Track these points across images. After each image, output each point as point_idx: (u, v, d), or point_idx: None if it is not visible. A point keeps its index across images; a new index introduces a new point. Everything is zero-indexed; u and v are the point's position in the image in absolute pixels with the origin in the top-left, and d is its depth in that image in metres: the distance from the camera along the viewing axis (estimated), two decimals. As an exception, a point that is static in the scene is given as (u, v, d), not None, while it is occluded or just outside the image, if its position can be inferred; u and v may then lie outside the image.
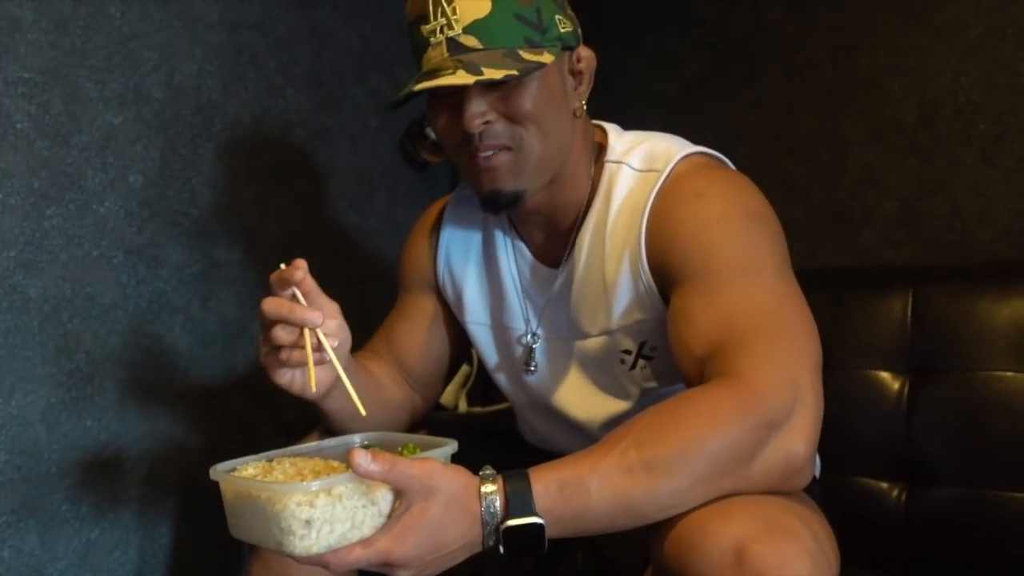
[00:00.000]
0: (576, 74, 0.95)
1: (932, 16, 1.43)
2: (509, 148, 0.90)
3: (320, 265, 1.59)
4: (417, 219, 1.17)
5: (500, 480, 0.73)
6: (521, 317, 1.04)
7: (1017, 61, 1.36)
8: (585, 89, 0.96)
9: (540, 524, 0.72)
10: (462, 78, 0.83)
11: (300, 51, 1.54)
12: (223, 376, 1.43)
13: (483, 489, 0.72)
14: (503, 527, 0.72)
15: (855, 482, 1.18)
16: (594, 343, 0.98)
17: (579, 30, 0.95)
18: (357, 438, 0.86)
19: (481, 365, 1.75)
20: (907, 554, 1.14)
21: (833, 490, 1.15)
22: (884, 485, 1.17)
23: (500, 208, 0.95)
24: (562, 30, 0.91)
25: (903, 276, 1.25)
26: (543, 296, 1.02)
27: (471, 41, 0.87)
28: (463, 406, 1.74)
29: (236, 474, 0.75)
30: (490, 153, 0.90)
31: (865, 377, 1.20)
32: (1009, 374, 1.11)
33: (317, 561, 0.70)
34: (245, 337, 1.46)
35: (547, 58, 0.87)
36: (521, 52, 0.87)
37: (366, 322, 1.65)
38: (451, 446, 0.79)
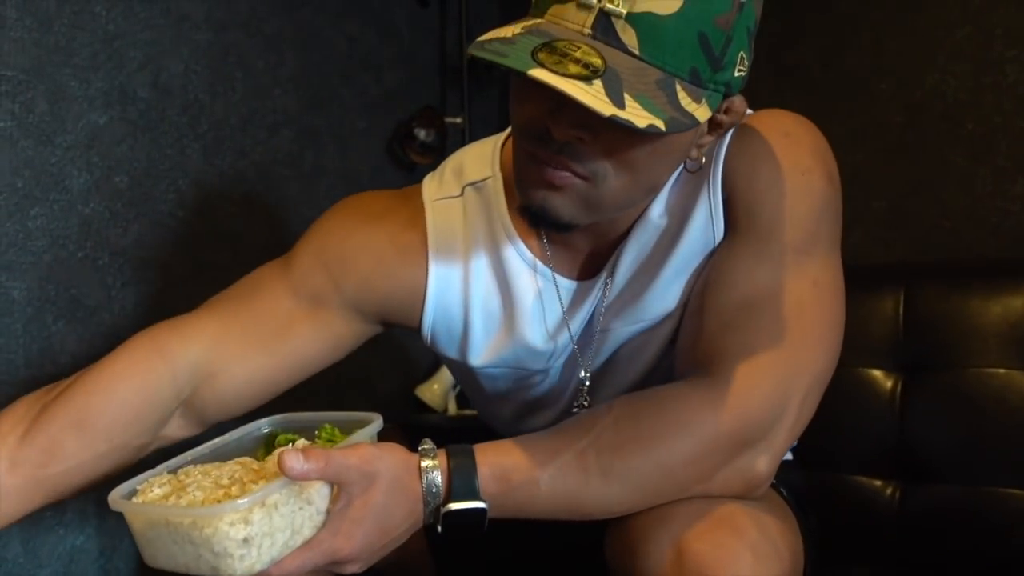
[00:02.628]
0: (715, 125, 0.75)
1: (919, 17, 1.44)
2: (587, 179, 0.71)
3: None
4: (377, 224, 0.89)
5: (442, 456, 0.70)
6: (560, 353, 0.87)
7: (1004, 61, 1.38)
8: (713, 141, 0.77)
9: (483, 509, 0.69)
10: (593, 97, 0.62)
11: (287, 52, 1.52)
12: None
13: (423, 464, 0.69)
14: (444, 509, 0.69)
15: (849, 480, 1.18)
16: (663, 329, 0.85)
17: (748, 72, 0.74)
18: (264, 423, 0.77)
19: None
20: (901, 551, 1.14)
21: (827, 489, 1.15)
22: (878, 483, 1.17)
23: (540, 226, 0.80)
24: (736, 73, 0.70)
25: (894, 275, 1.26)
26: (580, 315, 0.86)
27: (628, 36, 0.65)
28: (453, 409, 1.73)
29: (142, 498, 0.66)
30: (564, 174, 0.71)
31: (858, 376, 1.20)
32: (1001, 371, 1.12)
33: None
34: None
35: (702, 113, 0.67)
36: (679, 89, 0.66)
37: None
38: (376, 422, 0.73)
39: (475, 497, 0.69)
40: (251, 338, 0.85)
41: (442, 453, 0.70)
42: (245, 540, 0.61)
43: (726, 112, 0.74)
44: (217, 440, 0.75)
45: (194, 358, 0.84)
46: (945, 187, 1.42)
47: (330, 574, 0.71)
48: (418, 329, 0.91)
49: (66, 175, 1.23)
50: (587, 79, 0.62)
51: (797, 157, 0.78)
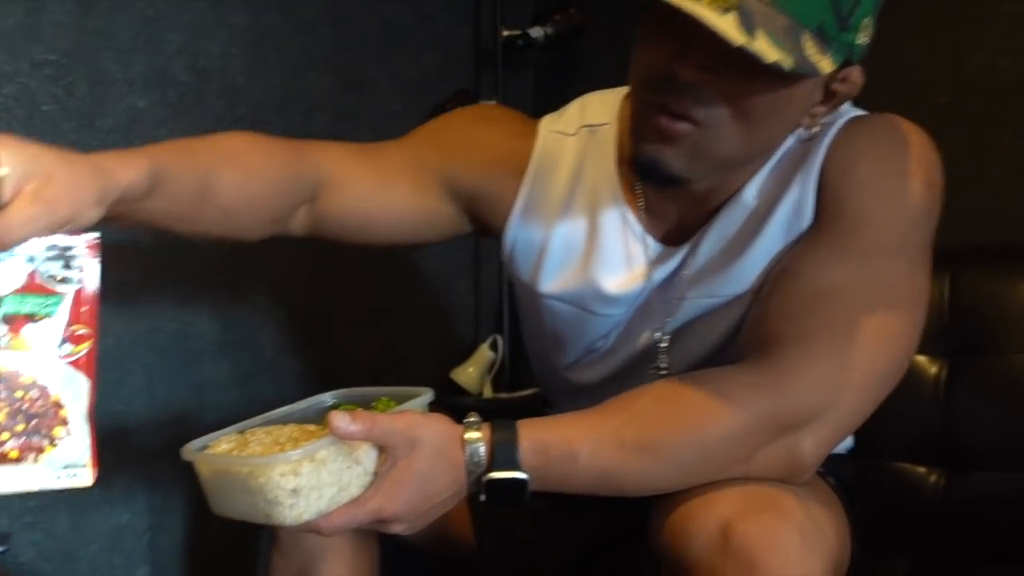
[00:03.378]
0: (830, 94, 0.78)
1: (967, -7, 1.41)
2: (703, 127, 0.74)
3: (342, 251, 1.57)
4: (497, 127, 0.96)
5: (486, 429, 0.73)
6: (628, 303, 0.89)
7: (1056, 38, 1.34)
8: (827, 112, 0.80)
9: (524, 479, 0.71)
10: (729, 26, 0.66)
11: (322, 34, 1.52)
12: (250, 361, 1.43)
13: (466, 436, 0.72)
14: (486, 478, 0.71)
15: (894, 467, 1.16)
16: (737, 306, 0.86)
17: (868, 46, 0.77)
18: (328, 397, 0.83)
19: (509, 351, 1.75)
20: (946, 539, 1.13)
21: (872, 475, 1.14)
22: (922, 470, 1.16)
23: (649, 179, 0.82)
24: (859, 40, 0.74)
25: (940, 259, 1.21)
26: (657, 275, 0.88)
27: None
28: (488, 392, 1.73)
29: (210, 451, 0.73)
30: (681, 125, 0.74)
31: (902, 361, 1.18)
32: (1050, 356, 1.09)
33: (308, 528, 0.69)
34: (271, 322, 1.45)
35: (825, 66, 0.71)
36: (806, 39, 0.69)
37: (389, 306, 1.65)
38: (427, 395, 0.77)
39: (516, 468, 0.71)
40: (365, 172, 0.91)
41: (486, 426, 0.73)
42: (294, 491, 0.67)
43: (842, 81, 0.76)
44: (283, 408, 0.81)
45: (322, 165, 0.89)
46: (992, 169, 1.39)
47: (380, 535, 0.75)
48: (501, 238, 0.95)
49: (108, 158, 1.24)
50: (724, 9, 0.66)
51: (901, 161, 0.78)
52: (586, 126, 0.92)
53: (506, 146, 0.94)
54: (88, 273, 0.64)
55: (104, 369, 1.26)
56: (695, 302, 0.86)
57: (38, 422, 0.62)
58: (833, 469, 0.82)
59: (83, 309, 0.64)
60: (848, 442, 0.98)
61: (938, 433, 1.14)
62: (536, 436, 0.72)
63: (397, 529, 0.71)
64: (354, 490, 0.70)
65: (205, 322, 1.37)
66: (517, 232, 0.93)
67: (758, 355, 0.76)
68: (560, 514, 0.95)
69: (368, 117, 1.61)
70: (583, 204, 0.91)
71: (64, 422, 0.63)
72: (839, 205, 0.78)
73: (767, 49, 0.66)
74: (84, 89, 1.22)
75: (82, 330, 0.64)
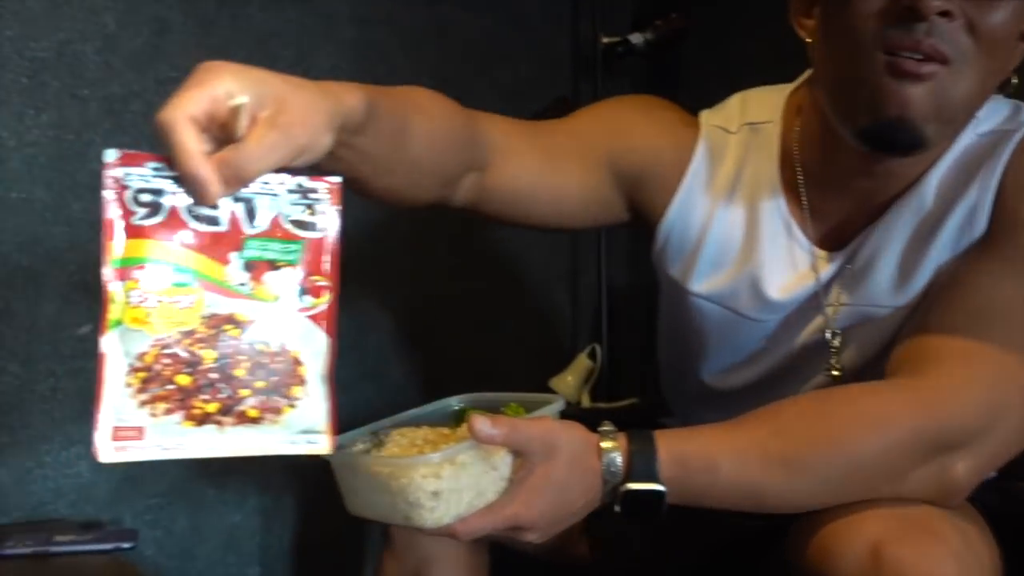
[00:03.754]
0: (1022, 38, 0.76)
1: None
2: (948, 63, 0.71)
3: (448, 257, 1.57)
4: (664, 112, 0.96)
5: (623, 439, 0.70)
6: (783, 309, 0.86)
7: None
8: (1016, 60, 0.77)
9: (662, 492, 0.69)
10: None
11: (427, 46, 1.55)
12: (354, 367, 1.46)
13: (603, 445, 0.70)
14: (623, 488, 0.69)
15: (1011, 487, 1.09)
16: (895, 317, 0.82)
17: None
18: (454, 401, 0.82)
19: (605, 360, 1.73)
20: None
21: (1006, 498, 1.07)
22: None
23: (887, 147, 0.76)
24: None
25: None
26: (815, 281, 0.85)
27: None
28: (586, 401, 1.71)
29: (348, 451, 0.73)
30: (930, 67, 0.71)
31: None
32: None
33: (445, 532, 0.68)
34: (374, 329, 1.48)
35: None
36: None
37: (489, 315, 1.65)
38: (559, 402, 0.76)
39: (654, 479, 0.69)
40: (532, 147, 0.89)
41: (622, 435, 0.71)
42: (435, 493, 0.66)
43: None
44: (412, 411, 0.81)
45: (491, 135, 0.87)
46: None
47: (509, 542, 0.73)
48: (656, 228, 0.92)
49: (225, 170, 1.29)
50: None
51: None
52: (748, 123, 0.90)
53: (672, 133, 0.92)
54: (330, 220, 0.59)
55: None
56: (857, 310, 0.83)
57: (278, 380, 0.57)
58: (980, 496, 0.77)
59: (324, 259, 0.59)
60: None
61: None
62: (675, 447, 0.70)
63: (530, 537, 0.70)
64: (490, 495, 0.69)
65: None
66: (673, 223, 0.91)
67: (915, 370, 0.72)
68: (677, 522, 0.93)
69: (469, 127, 1.63)
70: (743, 202, 0.88)
71: (303, 381, 0.58)
72: (1016, 217, 0.75)
73: None
74: (204, 104, 1.27)
75: (322, 282, 0.59)
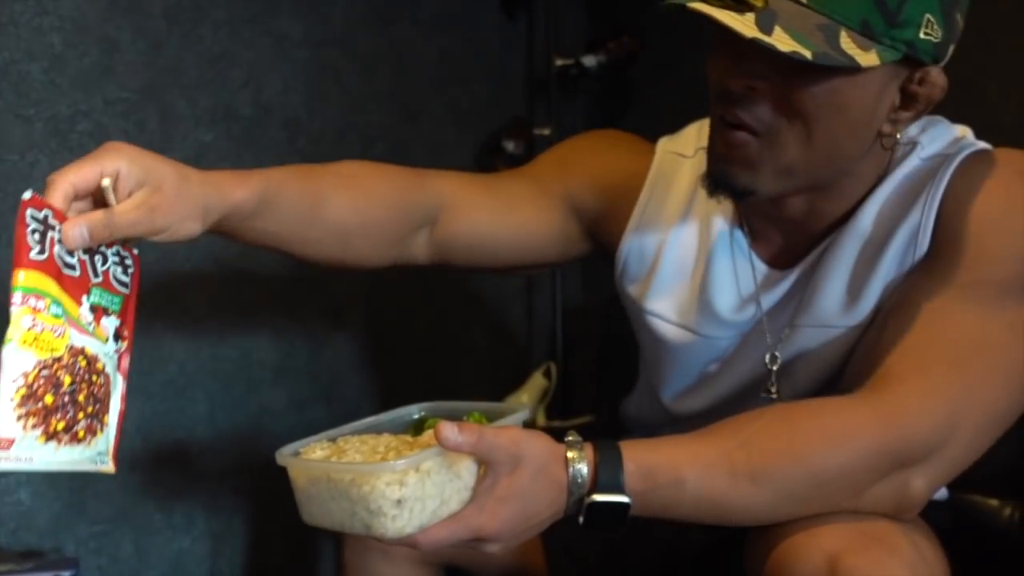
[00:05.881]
0: (909, 96, 0.76)
1: (1033, 14, 1.37)
2: (757, 134, 0.76)
3: (400, 277, 1.59)
4: (616, 144, 1.01)
5: (589, 449, 0.70)
6: (737, 327, 0.88)
7: None
8: (911, 117, 0.78)
9: (627, 503, 0.69)
10: (743, 24, 0.69)
11: (381, 67, 1.55)
12: (307, 387, 1.45)
13: (569, 455, 0.69)
14: (588, 500, 0.69)
15: (966, 500, 1.12)
16: (844, 337, 0.84)
17: (951, 47, 0.76)
18: (415, 409, 0.81)
19: (559, 379, 1.74)
20: (1021, 574, 1.08)
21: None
22: (995, 503, 1.11)
23: (717, 193, 0.82)
24: (921, 35, 0.72)
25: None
26: (767, 300, 0.88)
27: None
28: (541, 420, 1.72)
29: (306, 457, 0.71)
30: (741, 134, 0.76)
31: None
32: None
33: (407, 542, 0.67)
34: (327, 349, 1.47)
35: (868, 60, 0.70)
36: (843, 35, 0.70)
37: (443, 334, 1.66)
38: (524, 411, 0.75)
39: (620, 491, 0.68)
40: (485, 197, 0.96)
41: (588, 446, 0.70)
42: (399, 501, 0.64)
43: (920, 83, 0.76)
44: (371, 418, 0.80)
45: (442, 190, 0.94)
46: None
47: (472, 553, 0.72)
48: (615, 253, 0.97)
49: (175, 191, 1.28)
50: (740, 11, 0.69)
51: None
52: (702, 148, 0.92)
53: (625, 165, 0.97)
54: (134, 282, 0.72)
55: (168, 396, 1.29)
56: (808, 331, 0.84)
57: (99, 407, 0.67)
58: (931, 515, 0.79)
59: (130, 312, 0.71)
60: (944, 491, 0.96)
61: (1013, 465, 1.10)
62: (641, 459, 0.69)
63: (493, 549, 0.69)
64: (454, 505, 0.68)
65: (266, 349, 1.39)
66: (630, 247, 0.95)
67: (874, 387, 0.73)
68: (634, 535, 0.94)
69: (424, 147, 1.64)
70: (696, 224, 0.92)
71: (108, 411, 0.69)
72: (959, 239, 0.76)
73: (783, 42, 0.68)
74: (154, 124, 1.26)
75: (126, 331, 0.71)
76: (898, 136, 0.80)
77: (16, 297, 0.62)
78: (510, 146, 1.68)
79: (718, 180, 0.79)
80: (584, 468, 0.69)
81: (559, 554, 0.95)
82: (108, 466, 0.69)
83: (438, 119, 1.66)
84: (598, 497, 0.68)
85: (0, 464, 0.60)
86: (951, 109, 1.45)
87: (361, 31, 1.52)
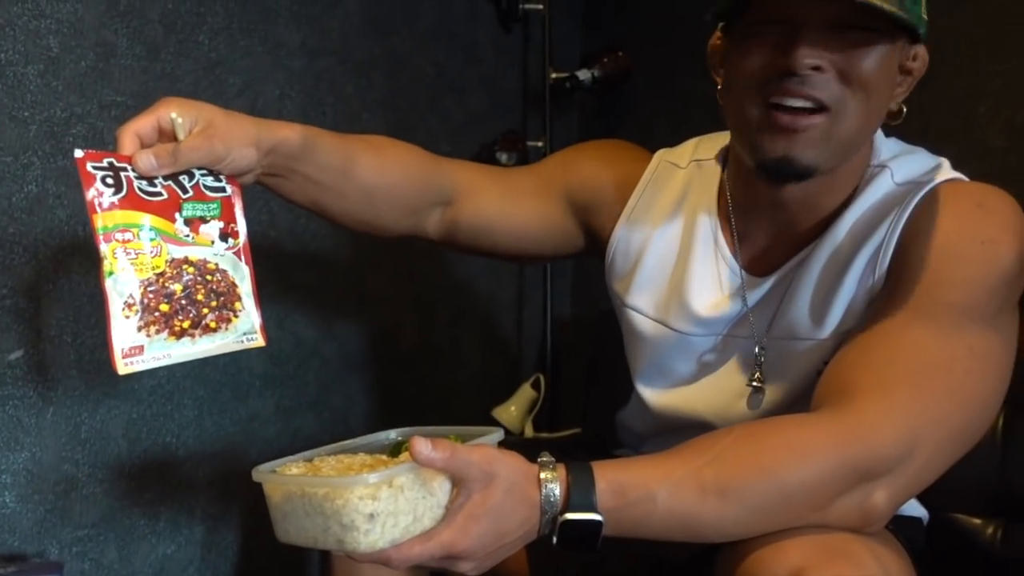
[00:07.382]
0: (904, 72, 0.85)
1: (1020, 37, 1.39)
2: (827, 110, 0.79)
3: (390, 286, 1.59)
4: (616, 149, 1.09)
5: (562, 469, 0.71)
6: (712, 328, 0.92)
7: (1115, 83, 1.31)
8: (903, 93, 0.86)
9: (599, 521, 0.70)
10: None
11: (377, 77, 1.56)
12: (295, 395, 1.45)
13: (542, 475, 0.71)
14: (561, 519, 0.70)
15: (949, 518, 1.13)
16: (815, 350, 0.88)
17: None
18: (393, 433, 0.83)
19: (548, 391, 1.75)
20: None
21: (926, 527, 1.11)
22: (978, 521, 1.12)
23: (782, 179, 0.84)
24: (923, 13, 0.81)
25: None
26: (741, 305, 0.92)
27: None
28: (529, 431, 1.72)
29: (282, 472, 0.72)
30: (799, 105, 0.79)
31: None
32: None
33: (379, 558, 0.67)
34: (316, 358, 1.47)
35: (924, 25, 0.79)
36: (896, 3, 0.76)
37: (433, 344, 1.66)
38: (497, 433, 0.77)
39: (592, 509, 0.69)
40: (494, 188, 1.04)
41: (561, 466, 0.72)
42: (371, 515, 0.65)
43: (914, 59, 0.85)
44: (347, 441, 0.82)
45: (458, 176, 1.03)
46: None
47: (445, 574, 0.73)
48: (605, 248, 1.03)
49: (168, 196, 1.28)
50: None
51: (983, 227, 0.80)
52: (695, 160, 1.01)
53: (620, 167, 1.04)
54: (229, 185, 0.83)
55: (155, 401, 1.29)
56: (782, 342, 0.88)
57: (224, 299, 0.79)
58: (906, 531, 0.80)
59: (235, 211, 0.83)
60: (923, 511, 0.98)
61: (994, 484, 1.11)
62: (613, 477, 0.71)
63: (464, 568, 0.70)
64: (427, 522, 0.68)
65: (254, 356, 1.39)
66: (618, 242, 1.01)
67: (838, 402, 0.75)
68: (607, 553, 0.94)
69: (417, 157, 1.64)
70: (681, 226, 0.97)
71: (239, 298, 0.81)
72: (917, 262, 0.80)
73: (885, 3, 0.73)
74: (148, 129, 1.26)
75: (235, 227, 0.83)
76: (901, 109, 0.86)
77: (100, 239, 0.73)
78: (504, 157, 1.69)
79: (781, 166, 0.82)
80: (556, 488, 0.70)
81: (541, 567, 0.95)
82: (257, 341, 0.81)
83: (433, 130, 1.67)
84: (570, 516, 0.70)
85: (138, 366, 0.73)
86: (939, 130, 1.48)
87: (358, 41, 1.53)
